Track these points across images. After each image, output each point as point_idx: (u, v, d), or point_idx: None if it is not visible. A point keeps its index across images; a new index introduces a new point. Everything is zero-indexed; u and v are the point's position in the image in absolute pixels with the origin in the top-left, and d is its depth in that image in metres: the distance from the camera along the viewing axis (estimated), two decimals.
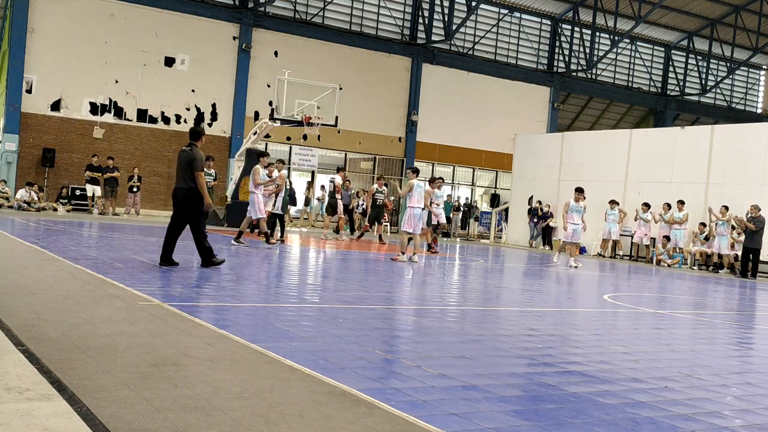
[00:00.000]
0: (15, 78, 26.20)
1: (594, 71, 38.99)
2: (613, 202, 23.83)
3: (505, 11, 36.41)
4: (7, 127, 26.26)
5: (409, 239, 15.56)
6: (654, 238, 23.75)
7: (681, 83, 42.00)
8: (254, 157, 24.36)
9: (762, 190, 20.93)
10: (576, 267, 17.74)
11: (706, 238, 22.20)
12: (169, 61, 28.71)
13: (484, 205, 36.40)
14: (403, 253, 15.28)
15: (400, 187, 21.26)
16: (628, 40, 39.68)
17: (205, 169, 19.81)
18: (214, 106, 29.64)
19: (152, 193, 28.45)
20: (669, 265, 22.26)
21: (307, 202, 30.44)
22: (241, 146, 25.78)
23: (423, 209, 15.74)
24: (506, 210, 31.11)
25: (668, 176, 23.79)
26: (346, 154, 32.88)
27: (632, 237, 24.25)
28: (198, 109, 29.37)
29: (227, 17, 29.57)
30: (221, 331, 5.89)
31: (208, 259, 10.63)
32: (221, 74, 29.59)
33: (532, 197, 28.36)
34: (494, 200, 36.28)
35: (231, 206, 24.07)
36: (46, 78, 26.72)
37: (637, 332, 8.36)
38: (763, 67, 45.67)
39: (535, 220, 27.80)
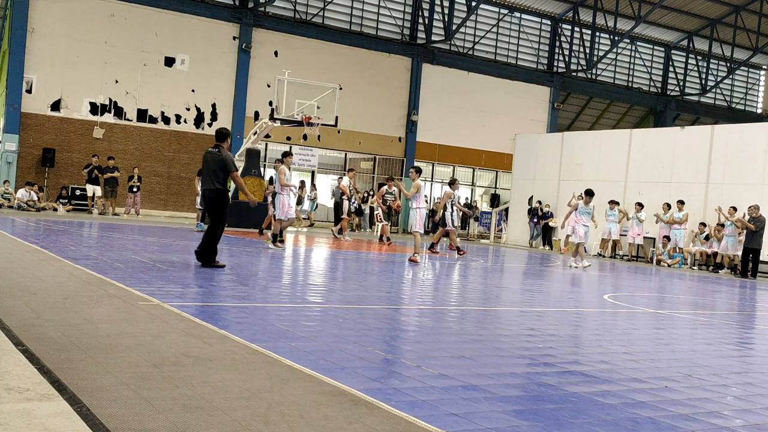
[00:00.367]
0: (15, 78, 26.20)
1: (594, 71, 39.00)
2: (613, 202, 23.83)
3: (505, 11, 36.41)
4: (7, 127, 26.26)
5: (388, 237, 15.60)
6: (647, 238, 23.79)
7: (681, 83, 42.01)
8: (254, 157, 24.42)
9: (762, 190, 20.94)
10: (578, 267, 17.71)
11: (706, 238, 22.20)
12: (169, 61, 28.71)
13: (484, 205, 36.39)
14: (417, 254, 15.30)
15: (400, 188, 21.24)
16: (628, 40, 39.69)
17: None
18: (214, 106, 29.64)
19: (152, 193, 28.45)
20: (669, 265, 22.27)
21: (299, 201, 30.47)
22: (241, 146, 25.78)
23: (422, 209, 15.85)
24: (506, 210, 31.11)
25: (668, 176, 23.79)
26: (346, 154, 32.89)
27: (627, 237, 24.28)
28: (198, 109, 29.37)
29: (227, 17, 29.57)
30: (221, 331, 5.89)
31: (210, 259, 10.70)
32: (221, 74, 29.59)
33: (532, 197, 28.36)
34: (494, 200, 36.28)
35: (231, 206, 24.03)
36: (46, 78, 26.72)
37: (637, 332, 8.36)
38: (763, 67, 45.67)
39: (535, 220, 27.80)
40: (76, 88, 27.18)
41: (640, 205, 23.40)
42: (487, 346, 6.44)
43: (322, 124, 23.93)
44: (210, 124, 29.60)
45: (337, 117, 24.77)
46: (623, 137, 26.07)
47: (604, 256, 24.62)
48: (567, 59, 37.64)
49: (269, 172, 29.40)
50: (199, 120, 29.38)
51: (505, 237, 30.22)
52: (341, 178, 27.29)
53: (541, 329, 7.69)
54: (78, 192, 26.28)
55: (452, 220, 19.50)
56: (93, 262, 10.17)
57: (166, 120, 28.78)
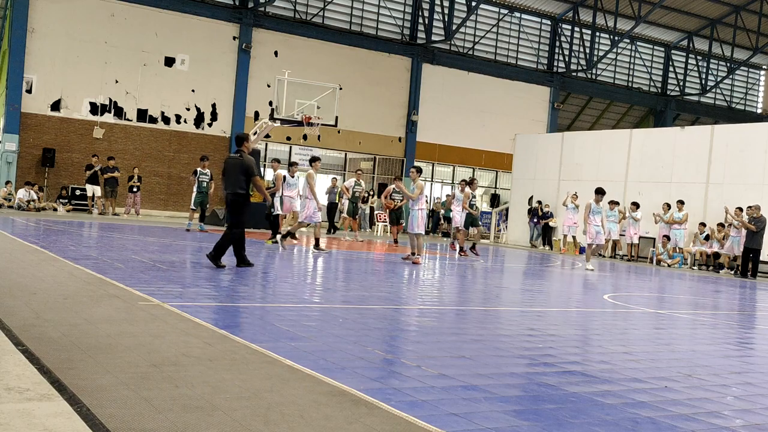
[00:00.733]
0: (15, 78, 26.20)
1: (594, 71, 39.00)
2: (612, 203, 23.81)
3: (505, 11, 36.41)
4: (7, 127, 26.25)
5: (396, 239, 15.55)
6: (647, 238, 23.79)
7: (681, 83, 42.01)
8: (254, 157, 24.33)
9: (762, 190, 20.94)
10: (593, 270, 17.40)
11: (706, 238, 22.21)
12: (169, 61, 28.71)
13: (484, 205, 36.39)
14: (413, 254, 15.26)
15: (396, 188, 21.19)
16: (628, 40, 39.69)
17: (199, 169, 19.88)
18: (214, 106, 29.65)
19: (152, 193, 28.45)
20: (669, 265, 22.27)
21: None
22: None
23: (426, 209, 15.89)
24: (506, 210, 31.11)
25: (668, 176, 23.80)
26: (346, 154, 32.89)
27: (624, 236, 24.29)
28: (198, 109, 29.38)
29: (227, 17, 29.57)
30: (221, 331, 5.89)
31: (218, 257, 10.80)
32: (221, 74, 29.59)
33: (532, 197, 28.36)
34: (494, 200, 36.28)
35: None
36: (46, 78, 26.72)
37: (637, 332, 8.36)
38: (763, 67, 45.67)
39: (535, 220, 27.80)
40: (76, 88, 27.18)
41: (636, 205, 23.42)
42: (487, 346, 6.44)
43: (322, 124, 23.92)
44: (210, 124, 29.61)
45: (337, 117, 24.76)
46: (623, 137, 26.07)
47: (603, 256, 24.62)
48: (567, 59, 37.65)
49: (269, 172, 29.41)
50: (199, 120, 29.38)
51: (505, 237, 30.22)
52: (335, 178, 27.26)
53: (541, 329, 7.69)
54: (78, 192, 26.28)
55: (462, 220, 19.49)
56: (93, 262, 10.17)
57: (166, 120, 28.78)
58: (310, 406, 4.00)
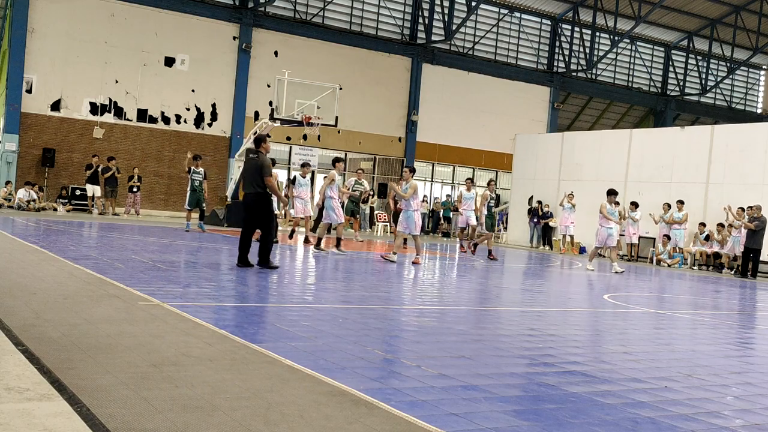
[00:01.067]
0: (15, 78, 26.21)
1: (594, 71, 39.00)
2: (613, 203, 23.81)
3: (505, 11, 36.42)
4: (7, 127, 26.26)
5: (405, 240, 15.49)
6: (647, 238, 23.79)
7: (681, 83, 42.01)
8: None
9: (762, 190, 20.94)
10: (623, 272, 17.09)
11: (707, 238, 22.21)
12: (169, 61, 28.72)
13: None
14: (395, 253, 15.15)
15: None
16: (628, 40, 39.70)
17: (192, 168, 19.81)
18: (214, 106, 29.65)
19: (152, 193, 28.45)
20: (669, 265, 22.27)
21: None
22: (241, 146, 25.78)
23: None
24: (506, 210, 31.11)
25: (668, 176, 23.80)
26: (346, 154, 32.87)
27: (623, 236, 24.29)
28: (198, 109, 29.38)
29: (227, 17, 29.58)
30: (221, 331, 5.89)
31: (266, 260, 11.16)
32: (221, 74, 29.60)
33: (532, 197, 28.36)
34: (494, 200, 36.26)
35: (231, 206, 24.07)
36: (46, 78, 26.72)
37: (637, 332, 8.36)
38: (763, 67, 45.67)
39: (535, 220, 27.81)
40: (76, 88, 27.18)
41: (635, 205, 23.42)
42: (487, 346, 6.44)
43: (322, 124, 23.93)
44: (210, 124, 29.62)
45: (337, 117, 24.78)
46: (623, 137, 26.07)
47: (603, 256, 24.62)
48: (567, 59, 37.65)
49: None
50: (199, 120, 29.38)
51: (505, 237, 30.22)
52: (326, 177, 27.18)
53: (541, 329, 7.68)
54: (78, 192, 26.28)
55: (477, 218, 19.50)
56: (93, 262, 10.17)
57: (166, 120, 28.79)
58: (310, 406, 4.00)
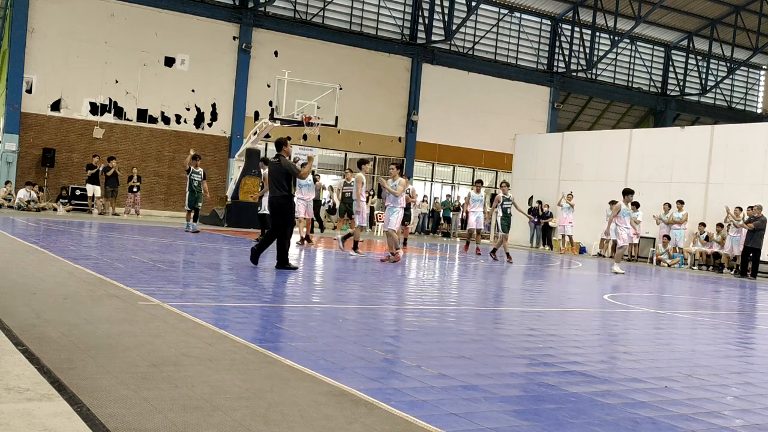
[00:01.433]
0: (15, 78, 26.21)
1: (594, 71, 39.00)
2: (612, 203, 23.81)
3: (505, 11, 36.42)
4: (7, 127, 26.26)
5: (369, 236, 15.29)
6: (647, 238, 23.79)
7: (681, 83, 42.02)
8: (254, 157, 24.41)
9: (762, 190, 20.93)
10: (624, 273, 16.89)
11: (707, 239, 22.21)
12: (169, 61, 28.72)
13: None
14: (399, 249, 15.08)
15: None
16: (628, 40, 39.70)
17: (192, 168, 19.75)
18: (214, 106, 29.65)
19: (152, 193, 28.46)
20: (669, 265, 22.27)
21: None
22: (241, 146, 25.78)
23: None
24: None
25: (668, 176, 23.79)
26: (346, 154, 32.89)
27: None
28: (198, 109, 29.38)
29: (227, 17, 29.58)
30: (221, 331, 5.89)
31: (284, 261, 11.35)
32: (221, 74, 29.60)
33: (532, 197, 28.36)
34: (494, 200, 36.26)
35: (231, 206, 24.06)
36: (46, 78, 26.72)
37: (637, 332, 8.36)
38: (763, 67, 45.67)
39: (536, 220, 27.81)
40: (76, 88, 27.18)
41: (636, 205, 23.40)
42: (487, 346, 6.44)
43: (322, 124, 23.94)
44: (210, 124, 29.62)
45: (337, 117, 24.78)
46: (623, 137, 26.07)
47: (603, 256, 24.63)
48: (567, 59, 37.65)
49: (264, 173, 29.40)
50: (199, 120, 29.39)
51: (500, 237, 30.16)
52: (318, 175, 27.14)
53: (541, 329, 7.68)
54: (78, 192, 26.28)
55: (498, 223, 19.30)
56: (93, 262, 10.17)
57: (166, 120, 28.79)
58: (310, 406, 4.00)
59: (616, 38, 36.20)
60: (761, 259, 20.21)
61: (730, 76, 43.12)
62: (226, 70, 29.65)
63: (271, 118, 24.47)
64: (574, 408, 4.51)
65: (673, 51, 41.76)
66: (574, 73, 37.92)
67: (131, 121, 28.21)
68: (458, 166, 35.92)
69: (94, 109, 27.55)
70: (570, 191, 25.55)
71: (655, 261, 22.96)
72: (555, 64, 37.81)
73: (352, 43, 32.17)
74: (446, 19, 33.68)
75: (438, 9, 33.88)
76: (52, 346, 4.90)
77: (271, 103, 27.73)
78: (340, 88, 25.94)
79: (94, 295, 7.24)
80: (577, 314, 9.74)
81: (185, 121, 29.10)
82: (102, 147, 27.34)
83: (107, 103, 27.74)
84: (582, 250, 25.92)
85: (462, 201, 34.15)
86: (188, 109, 29.18)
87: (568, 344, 6.88)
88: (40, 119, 26.71)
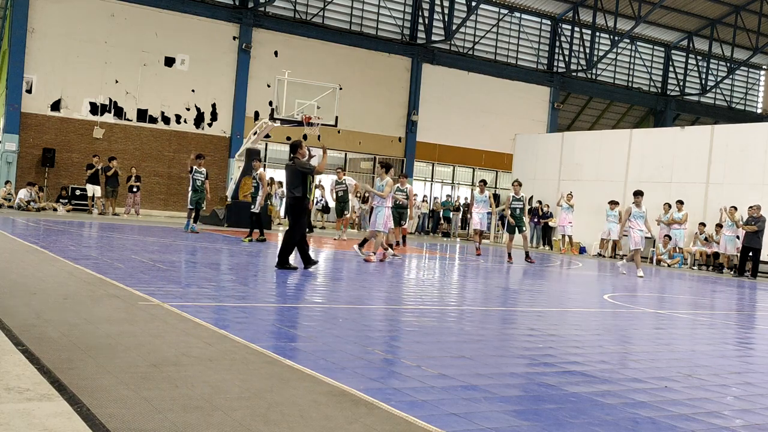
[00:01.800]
0: (15, 78, 26.21)
1: (594, 71, 39.00)
2: (612, 203, 23.84)
3: (505, 11, 36.42)
4: (7, 127, 26.26)
5: (371, 237, 15.07)
6: (647, 238, 23.77)
7: (681, 83, 42.01)
8: (254, 157, 24.38)
9: (762, 190, 20.94)
10: (643, 276, 16.46)
11: (706, 239, 22.21)
12: (169, 61, 28.72)
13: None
14: (374, 253, 14.85)
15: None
16: (628, 40, 39.69)
17: (195, 167, 19.70)
18: (214, 106, 29.65)
19: (152, 193, 28.46)
20: (669, 265, 22.27)
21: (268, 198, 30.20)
22: (241, 146, 25.78)
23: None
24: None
25: (668, 176, 23.79)
26: (346, 154, 32.88)
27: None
28: (198, 109, 29.38)
29: (227, 17, 29.58)
30: (221, 331, 5.89)
31: (284, 262, 11.40)
32: (221, 74, 29.60)
33: (532, 197, 28.35)
34: (494, 200, 36.27)
35: (231, 206, 24.06)
36: (46, 78, 26.72)
37: (637, 332, 8.36)
38: (763, 67, 45.67)
39: (536, 220, 27.81)
40: (76, 88, 27.18)
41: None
42: (487, 346, 6.44)
43: (322, 124, 23.93)
44: (210, 124, 29.62)
45: (337, 117, 24.78)
46: (623, 137, 26.08)
47: (604, 256, 24.63)
48: (567, 59, 37.65)
49: (269, 172, 29.38)
50: (199, 120, 29.38)
51: (505, 237, 30.17)
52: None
53: (541, 329, 7.69)
54: (78, 192, 26.28)
55: (483, 222, 19.23)
56: (93, 262, 10.17)
57: (166, 120, 28.79)
58: (310, 406, 4.00)
59: (616, 38, 36.20)
60: (762, 258, 20.21)
61: (730, 76, 43.12)
62: (226, 70, 29.65)
63: (271, 118, 24.47)
64: (574, 408, 4.51)
65: (673, 51, 41.76)
66: (574, 73, 37.92)
67: (131, 121, 28.21)
68: (458, 166, 35.92)
69: (94, 109, 27.55)
70: (570, 191, 25.56)
71: (655, 261, 22.96)
72: (555, 64, 37.81)
73: (352, 43, 32.17)
74: (446, 19, 33.68)
75: (438, 9, 33.87)
76: (52, 346, 4.90)
77: (271, 103, 27.73)
78: (340, 88, 25.93)
79: (94, 295, 7.24)
80: (577, 314, 9.74)
81: (185, 121, 29.10)
82: (102, 147, 27.33)
83: (107, 103, 27.74)
84: (582, 250, 25.92)
85: (462, 201, 34.26)
86: (188, 109, 29.18)
87: (568, 344, 6.88)
88: (40, 119, 26.71)
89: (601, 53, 37.53)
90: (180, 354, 4.97)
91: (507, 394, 4.77)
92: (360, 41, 32.39)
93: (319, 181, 28.40)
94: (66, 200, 25.83)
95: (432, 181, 35.53)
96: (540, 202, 27.61)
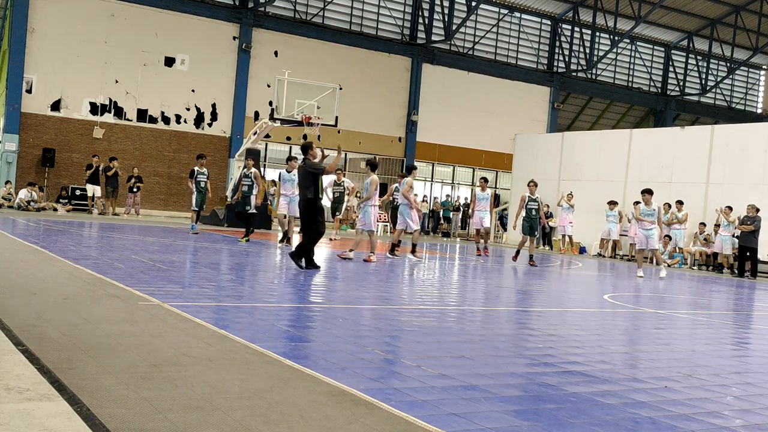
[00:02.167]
0: (15, 78, 26.21)
1: (594, 71, 39.00)
2: (612, 203, 23.84)
3: (505, 11, 36.42)
4: (7, 127, 26.26)
5: (399, 242, 15.28)
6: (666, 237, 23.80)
7: (681, 83, 42.02)
8: (254, 157, 24.34)
9: (762, 190, 20.94)
10: (643, 278, 16.18)
11: (706, 239, 22.21)
12: (169, 61, 28.72)
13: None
14: (372, 253, 14.71)
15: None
16: (628, 40, 39.70)
17: (197, 168, 19.65)
18: (214, 106, 29.65)
19: (152, 193, 28.45)
20: (669, 265, 22.26)
21: (265, 198, 30.17)
22: (241, 146, 25.77)
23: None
24: (506, 210, 31.11)
25: (668, 176, 23.79)
26: (346, 154, 32.86)
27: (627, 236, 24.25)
28: (198, 109, 29.38)
29: (227, 17, 29.58)
30: (221, 331, 5.89)
31: (299, 255, 11.43)
32: (221, 74, 29.60)
33: None
34: (494, 200, 36.26)
35: (231, 206, 24.05)
36: (46, 78, 26.72)
37: (637, 332, 8.36)
38: (763, 67, 45.67)
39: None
40: (76, 88, 27.18)
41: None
42: (487, 346, 6.44)
43: (322, 124, 23.93)
44: (210, 124, 29.62)
45: (337, 117, 24.78)
46: (623, 137, 26.08)
47: (604, 256, 24.63)
48: (567, 59, 37.65)
49: (269, 173, 29.41)
50: (199, 120, 29.38)
51: (505, 237, 30.22)
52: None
53: (541, 329, 7.69)
54: (78, 192, 26.28)
55: (487, 222, 19.26)
56: (93, 262, 10.16)
57: (166, 120, 28.79)
58: (310, 406, 4.00)
59: (616, 38, 36.20)
60: (761, 258, 20.20)
61: (730, 76, 43.12)
62: (226, 70, 29.65)
63: (271, 118, 24.47)
64: (574, 408, 4.51)
65: (673, 51, 41.76)
66: (574, 73, 37.93)
67: (131, 121, 28.21)
68: (458, 166, 35.93)
69: (94, 109, 27.55)
70: (570, 191, 25.56)
71: (655, 261, 22.94)
72: (555, 64, 37.81)
73: (352, 43, 32.17)
74: (446, 19, 33.68)
75: (438, 9, 33.88)
76: (52, 346, 4.90)
77: (271, 103, 27.72)
78: (340, 88, 25.94)
79: (94, 295, 7.24)
80: (577, 314, 9.74)
81: (185, 121, 29.10)
82: (102, 147, 27.33)
83: (107, 103, 27.74)
84: (582, 250, 25.92)
85: (462, 201, 34.25)
86: (188, 109, 29.18)
87: (568, 344, 6.88)
88: (40, 119, 26.71)
89: (601, 53, 37.53)
90: (180, 354, 4.97)
91: (507, 394, 4.77)
92: (360, 41, 32.39)
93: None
94: (66, 200, 25.84)
95: (432, 181, 35.53)
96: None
